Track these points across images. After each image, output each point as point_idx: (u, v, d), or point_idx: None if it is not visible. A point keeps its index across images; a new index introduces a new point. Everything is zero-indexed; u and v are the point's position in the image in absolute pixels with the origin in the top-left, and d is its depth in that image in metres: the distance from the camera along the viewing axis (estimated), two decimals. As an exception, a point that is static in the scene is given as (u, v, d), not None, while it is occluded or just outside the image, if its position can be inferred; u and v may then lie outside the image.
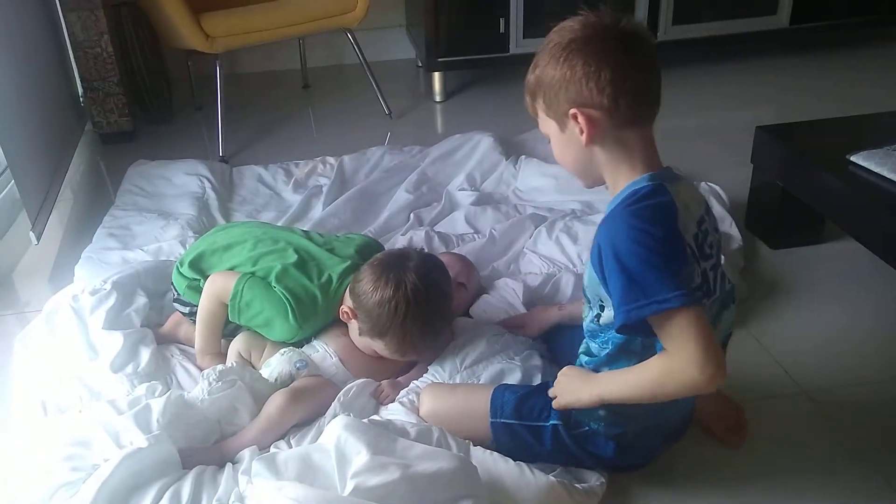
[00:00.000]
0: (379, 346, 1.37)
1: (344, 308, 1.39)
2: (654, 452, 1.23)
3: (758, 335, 1.58)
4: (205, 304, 1.45)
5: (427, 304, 1.31)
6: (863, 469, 1.27)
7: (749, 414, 1.35)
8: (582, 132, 1.03)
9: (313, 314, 1.40)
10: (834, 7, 3.08)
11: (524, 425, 1.18)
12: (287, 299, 1.37)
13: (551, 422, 1.17)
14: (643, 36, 1.04)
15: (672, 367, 0.99)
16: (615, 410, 1.11)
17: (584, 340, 1.17)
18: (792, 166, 1.81)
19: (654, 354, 1.03)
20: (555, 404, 1.16)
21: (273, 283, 1.40)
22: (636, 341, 1.07)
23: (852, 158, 1.65)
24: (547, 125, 1.09)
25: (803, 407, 1.40)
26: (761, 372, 1.49)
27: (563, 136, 1.07)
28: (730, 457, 1.29)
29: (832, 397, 1.42)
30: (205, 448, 1.24)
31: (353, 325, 1.38)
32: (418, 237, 1.87)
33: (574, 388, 1.14)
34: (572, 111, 1.02)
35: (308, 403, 1.31)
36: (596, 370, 1.13)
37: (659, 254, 0.97)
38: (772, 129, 1.89)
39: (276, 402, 1.29)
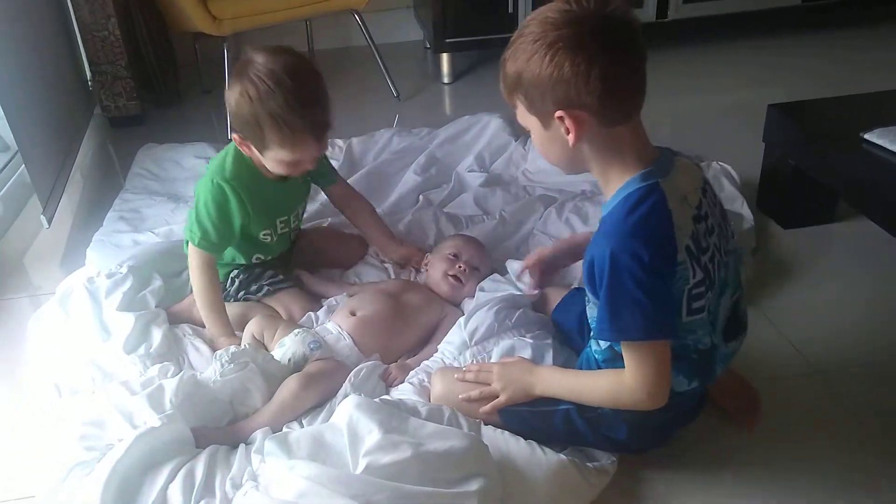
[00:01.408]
0: (275, 155, 1.38)
1: (235, 135, 1.41)
2: (668, 434, 1.24)
3: (770, 315, 1.57)
4: (196, 282, 1.48)
5: (285, 80, 1.32)
6: (877, 449, 1.27)
7: (761, 394, 1.35)
8: (568, 132, 0.99)
9: (220, 168, 1.46)
10: (847, -16, 3.04)
11: (533, 411, 1.18)
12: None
13: (562, 406, 1.17)
14: (631, 23, 0.98)
15: (624, 387, 1.06)
16: None
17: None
18: (805, 145, 1.80)
19: None
20: (502, 401, 1.18)
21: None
22: None
23: (866, 136, 1.64)
24: (527, 120, 1.05)
25: (816, 387, 1.40)
26: (773, 352, 1.48)
27: (546, 132, 1.03)
28: (741, 437, 1.29)
29: (845, 377, 1.41)
30: (218, 429, 1.25)
31: (255, 154, 1.41)
32: (427, 217, 1.87)
33: (526, 382, 1.18)
34: (559, 113, 0.99)
35: (321, 388, 1.31)
36: (604, 360, 1.14)
37: (643, 286, 0.97)
38: (784, 107, 1.87)
39: (289, 387, 1.29)
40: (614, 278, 0.98)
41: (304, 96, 1.35)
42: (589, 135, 1.00)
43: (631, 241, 0.98)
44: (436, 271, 1.57)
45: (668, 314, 1.01)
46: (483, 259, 1.61)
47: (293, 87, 1.33)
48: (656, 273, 0.98)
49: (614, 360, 1.11)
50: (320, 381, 1.31)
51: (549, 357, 1.33)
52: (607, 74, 0.94)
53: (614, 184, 1.04)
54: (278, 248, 1.62)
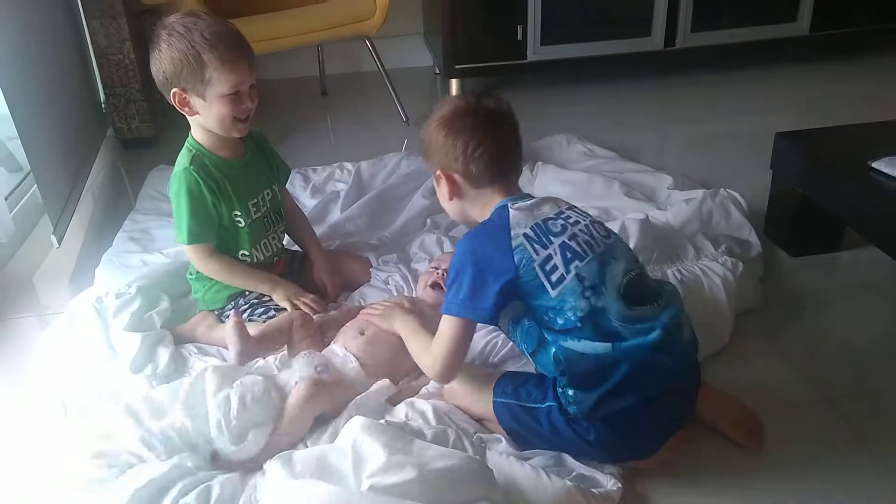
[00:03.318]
0: (217, 90, 1.45)
1: (175, 92, 1.48)
2: (652, 441, 1.23)
3: (777, 343, 1.57)
4: (212, 273, 1.57)
5: (200, 15, 1.47)
6: (886, 477, 1.25)
7: (769, 422, 1.34)
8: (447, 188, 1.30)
9: (179, 162, 1.55)
10: (854, 14, 3.06)
11: (521, 406, 1.24)
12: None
13: (547, 403, 1.21)
14: (499, 112, 1.30)
15: (425, 351, 1.28)
16: (571, 380, 1.17)
17: None
18: (812, 173, 1.80)
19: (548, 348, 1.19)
20: (375, 320, 1.45)
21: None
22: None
23: (874, 165, 1.64)
24: (434, 178, 1.34)
25: (824, 415, 1.38)
26: (781, 380, 1.47)
27: (439, 188, 1.34)
28: (750, 464, 1.28)
29: (853, 405, 1.40)
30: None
31: (198, 108, 1.49)
32: (430, 241, 1.88)
33: (394, 321, 1.42)
34: (438, 172, 1.30)
35: (326, 395, 1.30)
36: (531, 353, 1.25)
37: (456, 269, 1.21)
38: (792, 135, 1.88)
39: (296, 394, 1.28)
40: (453, 264, 1.23)
41: (222, 20, 1.50)
42: (462, 192, 1.30)
43: (472, 237, 1.25)
44: (420, 286, 1.62)
45: (478, 300, 1.19)
46: None
47: (209, 18, 1.48)
48: (469, 262, 1.20)
49: (538, 350, 1.22)
50: (326, 389, 1.31)
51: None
52: (467, 146, 1.26)
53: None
54: (257, 239, 1.62)
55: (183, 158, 1.55)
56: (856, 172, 1.66)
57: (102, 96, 2.67)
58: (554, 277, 1.18)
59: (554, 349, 1.17)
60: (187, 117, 1.55)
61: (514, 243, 1.20)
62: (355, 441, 1.06)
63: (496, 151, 1.27)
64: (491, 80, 3.13)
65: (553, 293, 1.17)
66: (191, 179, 1.51)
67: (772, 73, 3.12)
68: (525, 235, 1.21)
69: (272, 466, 1.09)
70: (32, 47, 2.09)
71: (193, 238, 1.53)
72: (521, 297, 1.20)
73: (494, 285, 1.18)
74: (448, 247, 1.86)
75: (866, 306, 1.69)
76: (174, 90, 1.48)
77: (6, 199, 2.09)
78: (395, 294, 1.70)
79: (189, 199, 1.51)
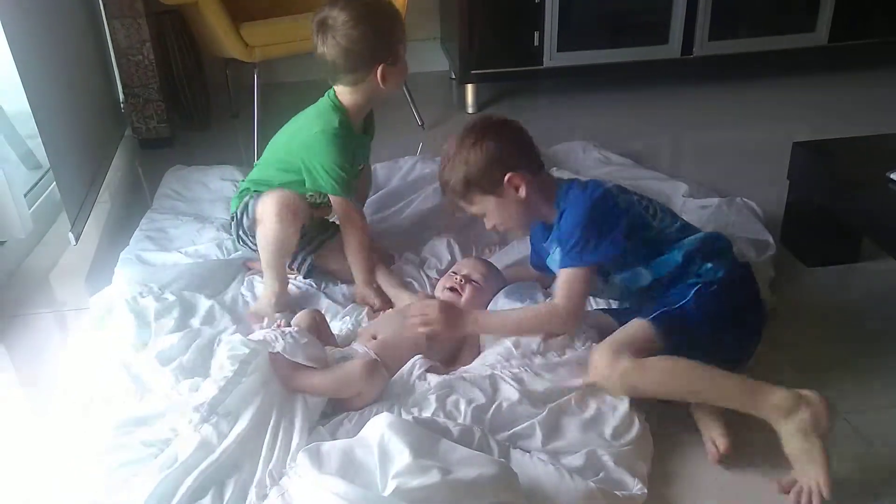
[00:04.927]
0: (401, 49, 1.61)
1: (380, 68, 1.57)
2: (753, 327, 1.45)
3: (790, 353, 1.56)
4: (348, 229, 1.64)
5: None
6: (900, 492, 1.25)
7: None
8: (517, 189, 1.44)
9: (329, 120, 1.61)
10: (873, 24, 3.04)
11: (673, 309, 1.38)
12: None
13: (692, 291, 1.39)
14: (498, 118, 1.56)
15: (542, 320, 1.42)
16: (706, 257, 1.42)
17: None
18: (829, 183, 1.79)
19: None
20: (421, 330, 1.42)
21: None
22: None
23: (892, 176, 1.63)
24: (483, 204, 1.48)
25: (839, 428, 1.37)
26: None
27: (505, 201, 1.45)
28: (769, 474, 1.27)
29: (868, 419, 1.39)
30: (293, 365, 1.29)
31: (390, 75, 1.60)
32: (440, 244, 1.89)
33: (452, 325, 1.42)
34: (506, 179, 1.43)
35: (379, 382, 1.34)
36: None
37: (580, 227, 1.39)
38: (809, 145, 1.87)
39: (355, 366, 1.33)
40: (576, 224, 1.41)
41: None
42: (534, 186, 1.45)
43: (581, 202, 1.41)
44: (439, 288, 1.63)
45: (602, 245, 1.39)
46: (484, 272, 1.63)
47: None
48: (600, 214, 1.41)
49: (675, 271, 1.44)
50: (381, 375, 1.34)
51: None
52: (513, 139, 1.48)
53: (552, 200, 1.47)
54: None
55: (330, 116, 1.60)
56: (874, 183, 1.65)
57: (121, 96, 2.70)
58: (650, 211, 1.47)
59: (683, 250, 1.41)
60: (338, 86, 1.62)
61: (614, 193, 1.44)
62: (382, 438, 1.08)
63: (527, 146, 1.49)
64: (507, 86, 3.13)
65: (654, 223, 1.45)
66: (346, 138, 1.59)
67: (790, 83, 3.11)
68: (616, 187, 1.48)
69: (301, 460, 1.10)
70: (54, 46, 2.12)
71: (343, 191, 1.61)
72: (636, 231, 1.42)
73: (617, 230, 1.40)
74: (457, 251, 1.87)
75: (883, 318, 1.67)
76: (380, 66, 1.56)
77: (25, 195, 2.11)
78: (418, 288, 1.73)
79: (340, 154, 1.58)
